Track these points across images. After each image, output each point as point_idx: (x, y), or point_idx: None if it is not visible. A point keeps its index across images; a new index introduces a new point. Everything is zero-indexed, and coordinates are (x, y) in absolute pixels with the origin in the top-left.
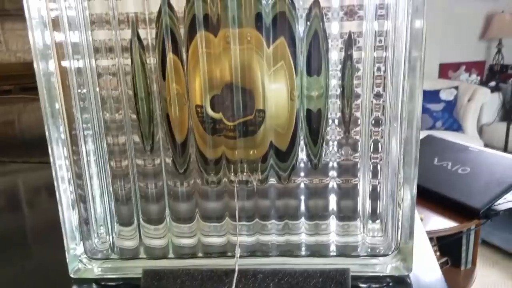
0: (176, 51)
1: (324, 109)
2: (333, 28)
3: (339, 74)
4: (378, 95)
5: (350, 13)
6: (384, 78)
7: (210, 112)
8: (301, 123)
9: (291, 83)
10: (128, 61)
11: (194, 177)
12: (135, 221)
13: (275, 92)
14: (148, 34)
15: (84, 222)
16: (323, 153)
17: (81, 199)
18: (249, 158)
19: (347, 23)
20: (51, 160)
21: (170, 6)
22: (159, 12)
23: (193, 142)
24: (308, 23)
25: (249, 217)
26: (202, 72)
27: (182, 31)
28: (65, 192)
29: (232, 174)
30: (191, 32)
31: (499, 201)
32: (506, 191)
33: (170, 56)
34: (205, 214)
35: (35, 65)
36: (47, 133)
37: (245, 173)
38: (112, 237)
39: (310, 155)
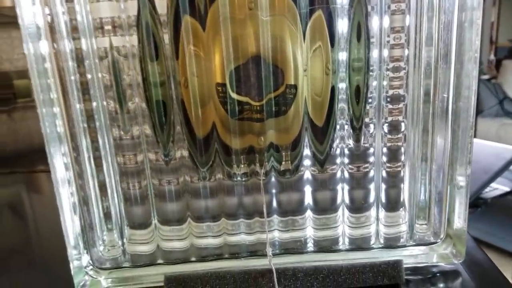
0: (193, 14)
1: (364, 85)
2: None
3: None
4: (428, 65)
5: None
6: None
7: (233, 94)
8: (338, 101)
9: (326, 57)
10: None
11: (216, 170)
12: (152, 222)
13: (309, 68)
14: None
15: (88, 227)
16: (362, 136)
17: (84, 201)
18: (279, 143)
19: None
20: (49, 159)
21: None
22: None
23: (214, 132)
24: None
25: (282, 212)
26: (225, 40)
27: None
28: (65, 194)
29: (258, 165)
30: None
31: (486, 190)
32: (492, 179)
33: (186, 19)
34: (230, 211)
35: (25, 46)
36: (42, 128)
37: (275, 164)
38: (123, 243)
39: (347, 138)
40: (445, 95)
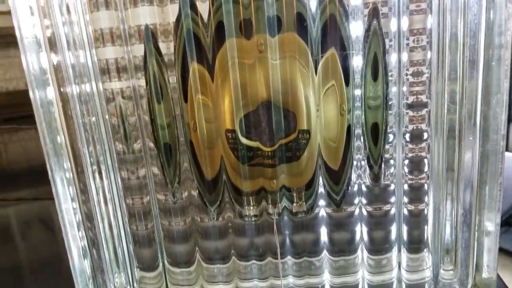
0: (201, 60)
1: (382, 122)
2: (392, 25)
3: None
4: (452, 102)
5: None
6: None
7: (243, 139)
8: (355, 139)
9: (341, 97)
10: (141, 82)
11: (227, 210)
12: (160, 265)
13: (323, 110)
14: (165, 49)
15: (99, 270)
16: (382, 174)
17: (93, 245)
18: (292, 186)
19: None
20: (56, 203)
21: (193, 7)
22: (178, 17)
23: (223, 173)
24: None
25: (296, 253)
26: (234, 87)
27: (207, 36)
28: (74, 238)
29: (270, 205)
30: (219, 38)
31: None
32: None
33: (194, 66)
34: (241, 252)
35: (31, 93)
36: (50, 173)
37: (289, 202)
38: (133, 287)
39: (367, 176)
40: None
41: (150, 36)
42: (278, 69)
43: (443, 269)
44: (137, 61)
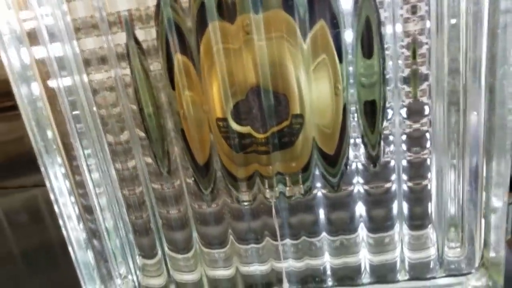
0: (184, 51)
1: (379, 98)
2: None
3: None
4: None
5: None
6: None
7: (234, 125)
8: (352, 118)
9: (335, 75)
10: (126, 71)
11: (222, 196)
12: (159, 252)
13: (315, 91)
14: (147, 35)
15: (103, 260)
16: (382, 152)
17: (94, 235)
18: (287, 172)
19: None
20: (52, 197)
21: None
22: (158, 4)
23: (218, 160)
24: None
25: (294, 234)
26: (221, 74)
27: (189, 24)
28: (74, 230)
29: (267, 189)
30: (201, 24)
31: None
32: None
33: (178, 57)
34: (240, 235)
35: (15, 90)
36: (43, 169)
37: (284, 186)
38: (137, 275)
39: (366, 155)
40: None
41: (129, 24)
42: (265, 51)
43: (448, 247)
44: (119, 49)
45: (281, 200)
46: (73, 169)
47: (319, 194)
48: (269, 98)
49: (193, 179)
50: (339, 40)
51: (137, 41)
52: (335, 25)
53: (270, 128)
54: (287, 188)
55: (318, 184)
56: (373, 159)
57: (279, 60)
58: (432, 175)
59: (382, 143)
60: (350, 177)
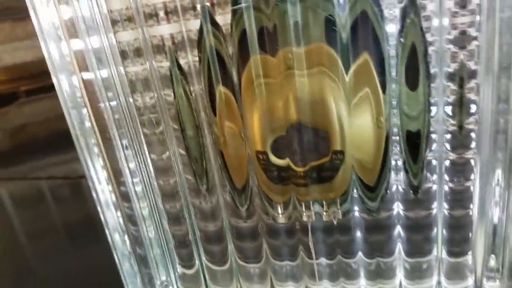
0: (225, 82)
1: (424, 128)
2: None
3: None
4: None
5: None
6: None
7: (273, 158)
8: (395, 147)
9: (378, 108)
10: (169, 92)
11: (259, 213)
12: (196, 262)
13: (357, 125)
14: (190, 58)
15: (144, 266)
16: (424, 179)
17: (137, 243)
18: (326, 199)
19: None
20: (102, 216)
21: (214, 23)
22: (200, 32)
23: (256, 185)
24: (403, 27)
25: (330, 254)
26: (261, 109)
27: (231, 52)
28: (119, 241)
29: (304, 211)
30: (243, 53)
31: None
32: None
33: (220, 89)
34: (275, 251)
35: (55, 82)
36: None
37: (321, 207)
38: (177, 285)
39: (409, 183)
40: None
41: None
42: (306, 86)
43: (487, 277)
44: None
45: (317, 221)
46: (120, 191)
47: (357, 215)
48: (309, 134)
49: (230, 196)
50: (383, 70)
51: (180, 67)
52: (379, 57)
53: (309, 162)
54: (324, 213)
55: (356, 208)
56: (414, 187)
57: (320, 96)
58: (475, 202)
59: (424, 171)
60: (390, 202)
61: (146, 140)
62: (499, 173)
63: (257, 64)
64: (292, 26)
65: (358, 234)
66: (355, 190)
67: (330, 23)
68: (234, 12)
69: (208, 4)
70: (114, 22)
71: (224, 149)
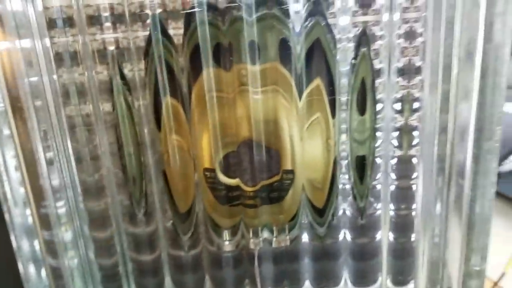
0: (174, 93)
1: (370, 154)
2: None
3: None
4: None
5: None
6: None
7: (222, 177)
8: (342, 172)
9: (327, 131)
10: (107, 106)
11: (203, 242)
12: None
13: (308, 147)
14: (134, 66)
15: None
16: (369, 205)
17: (55, 274)
18: (274, 224)
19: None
20: (14, 243)
21: (166, 33)
22: (149, 40)
23: (201, 209)
24: (354, 60)
25: (276, 283)
26: (212, 123)
27: (181, 65)
28: (33, 274)
29: (252, 237)
30: (195, 65)
31: (503, 162)
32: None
33: (167, 100)
34: (218, 283)
35: None
36: (8, 219)
37: (271, 234)
38: None
39: (354, 207)
40: None
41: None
42: (260, 104)
43: None
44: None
45: (265, 248)
46: (38, 202)
47: (305, 242)
48: (261, 152)
49: (171, 222)
50: (333, 97)
51: (123, 77)
52: (330, 83)
53: (260, 182)
54: (274, 239)
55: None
56: (360, 210)
57: (273, 115)
58: (419, 228)
59: (369, 198)
60: (337, 228)
61: (75, 155)
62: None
63: (209, 77)
64: (247, 45)
65: (306, 261)
66: (304, 216)
67: (285, 45)
68: (187, 23)
69: (160, 10)
70: (51, 22)
71: (168, 167)
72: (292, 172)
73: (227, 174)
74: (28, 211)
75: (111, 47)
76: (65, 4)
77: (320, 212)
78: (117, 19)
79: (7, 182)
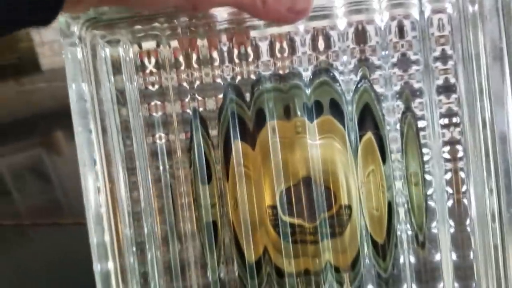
0: (244, 139)
1: (422, 197)
2: None
3: None
4: None
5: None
6: None
7: (284, 217)
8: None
9: (380, 175)
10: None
11: None
12: None
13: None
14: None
15: None
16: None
17: None
18: (336, 264)
19: None
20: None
21: (239, 92)
22: (223, 103)
23: (266, 255)
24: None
25: None
26: (274, 163)
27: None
28: None
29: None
30: (258, 121)
31: None
32: None
33: (237, 144)
34: None
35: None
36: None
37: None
38: None
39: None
40: None
41: (197, 118)
42: (317, 148)
43: None
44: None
45: None
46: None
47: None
48: (319, 189)
49: (237, 276)
50: (382, 144)
51: (207, 133)
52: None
53: (319, 216)
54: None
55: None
56: (422, 244)
57: (329, 157)
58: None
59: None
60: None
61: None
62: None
63: (273, 127)
64: (302, 107)
65: None
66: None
67: (336, 106)
68: (253, 89)
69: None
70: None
71: (235, 215)
72: (349, 207)
73: (288, 210)
74: None
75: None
76: None
77: (382, 251)
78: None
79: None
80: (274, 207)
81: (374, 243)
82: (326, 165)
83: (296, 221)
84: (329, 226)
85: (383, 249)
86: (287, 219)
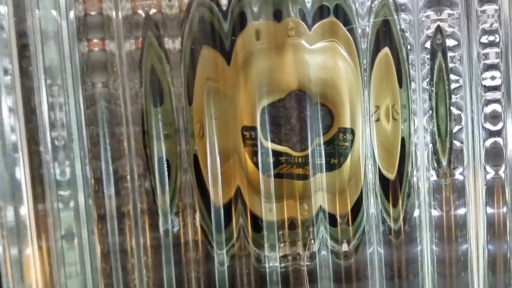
0: (214, 45)
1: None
2: None
3: None
4: None
5: None
6: None
7: (265, 142)
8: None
9: (393, 97)
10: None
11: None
12: None
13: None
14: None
15: None
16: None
17: None
18: (332, 210)
19: None
20: None
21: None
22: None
23: (239, 200)
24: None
25: None
26: (256, 72)
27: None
28: None
29: (300, 244)
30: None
31: None
32: None
33: (206, 50)
34: None
35: None
36: None
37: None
38: None
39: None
40: None
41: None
42: (316, 54)
43: None
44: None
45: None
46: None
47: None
48: (313, 107)
49: (200, 229)
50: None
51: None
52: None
53: (312, 143)
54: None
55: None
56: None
57: (329, 65)
58: None
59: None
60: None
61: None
62: None
63: (256, 28)
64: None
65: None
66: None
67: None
68: None
69: None
70: None
71: (200, 145)
72: (351, 131)
73: (270, 134)
74: None
75: None
76: None
77: (392, 193)
78: None
79: None
80: (252, 129)
81: (383, 181)
82: (325, 76)
83: (281, 147)
84: (324, 155)
85: (394, 189)
86: (269, 144)
